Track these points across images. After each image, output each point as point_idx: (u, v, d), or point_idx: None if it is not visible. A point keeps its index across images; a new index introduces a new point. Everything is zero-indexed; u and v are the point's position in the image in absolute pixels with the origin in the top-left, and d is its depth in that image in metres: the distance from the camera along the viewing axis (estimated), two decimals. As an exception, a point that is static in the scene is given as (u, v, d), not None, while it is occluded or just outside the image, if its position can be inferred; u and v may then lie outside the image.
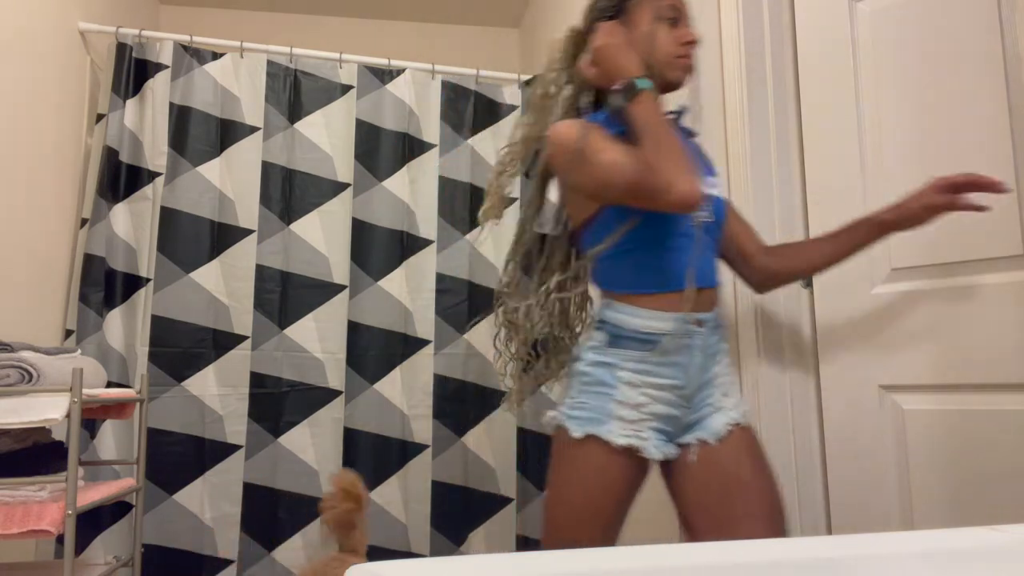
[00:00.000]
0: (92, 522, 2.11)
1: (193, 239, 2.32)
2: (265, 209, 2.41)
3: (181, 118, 2.38)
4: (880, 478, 1.41)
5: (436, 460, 2.40)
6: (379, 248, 2.46)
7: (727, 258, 1.43)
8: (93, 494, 1.61)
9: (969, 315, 1.31)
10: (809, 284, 1.57)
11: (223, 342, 2.30)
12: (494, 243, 2.59)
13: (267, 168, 2.43)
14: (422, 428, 2.40)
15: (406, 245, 2.49)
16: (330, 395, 2.35)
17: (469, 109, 2.65)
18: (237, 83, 2.45)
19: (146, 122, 2.35)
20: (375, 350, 2.41)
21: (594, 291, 1.37)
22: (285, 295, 2.38)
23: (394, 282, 2.45)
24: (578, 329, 1.41)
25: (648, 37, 1.25)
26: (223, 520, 2.22)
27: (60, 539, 2.00)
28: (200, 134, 2.38)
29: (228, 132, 2.42)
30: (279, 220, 2.42)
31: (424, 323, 2.46)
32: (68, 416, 1.43)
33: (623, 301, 1.24)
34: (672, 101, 1.35)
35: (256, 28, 3.33)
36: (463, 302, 2.51)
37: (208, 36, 2.55)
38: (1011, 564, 0.53)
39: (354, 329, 2.40)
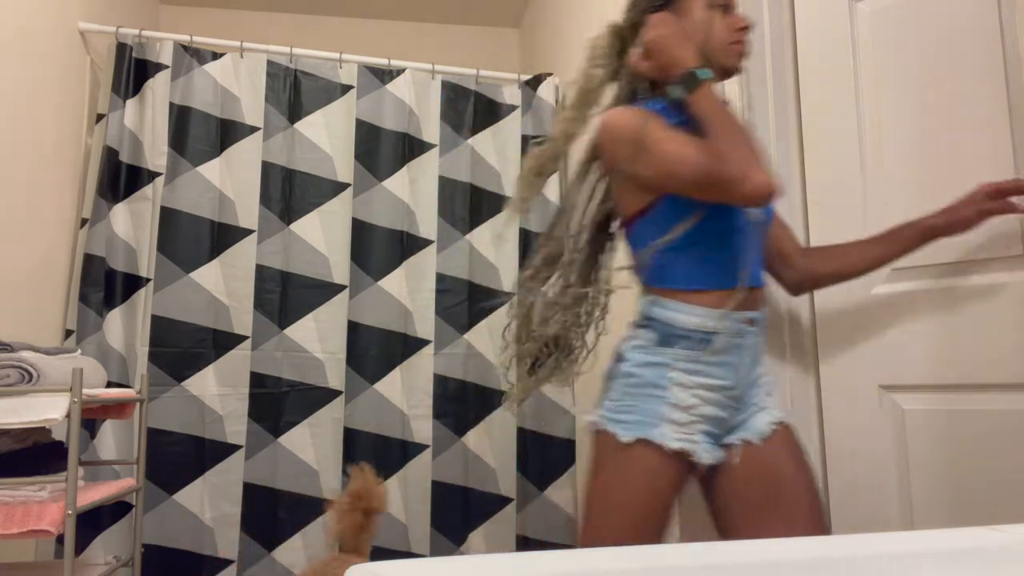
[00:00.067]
0: (92, 522, 2.11)
1: (193, 239, 2.32)
2: (265, 209, 2.41)
3: (181, 118, 2.38)
4: (880, 478, 1.41)
5: (436, 460, 2.40)
6: (379, 248, 2.46)
7: (765, 258, 1.40)
8: (93, 494, 1.61)
9: (969, 315, 1.31)
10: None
11: (223, 342, 2.30)
12: (494, 243, 2.59)
13: (267, 168, 2.43)
14: (422, 428, 2.40)
15: (406, 245, 2.49)
16: (330, 395, 2.35)
17: (469, 109, 2.65)
18: (237, 83, 2.45)
19: (146, 122, 2.35)
20: (375, 350, 2.41)
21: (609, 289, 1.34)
22: (285, 295, 2.38)
23: (394, 282, 2.45)
24: (590, 332, 1.37)
25: (704, 25, 1.23)
26: (223, 520, 2.22)
27: (60, 539, 2.00)
28: (200, 134, 2.38)
29: (228, 132, 2.42)
30: (279, 220, 2.42)
31: (424, 323, 2.46)
32: (68, 416, 1.43)
33: (674, 298, 1.20)
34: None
35: (256, 28, 3.33)
36: (463, 302, 2.51)
37: (208, 36, 2.56)
38: (1011, 564, 0.53)
39: (354, 329, 2.40)
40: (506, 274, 2.57)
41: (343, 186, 2.47)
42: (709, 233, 1.20)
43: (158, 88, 2.36)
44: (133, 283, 2.27)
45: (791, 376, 1.57)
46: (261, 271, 2.37)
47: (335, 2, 3.39)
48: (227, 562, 2.20)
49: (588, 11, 2.45)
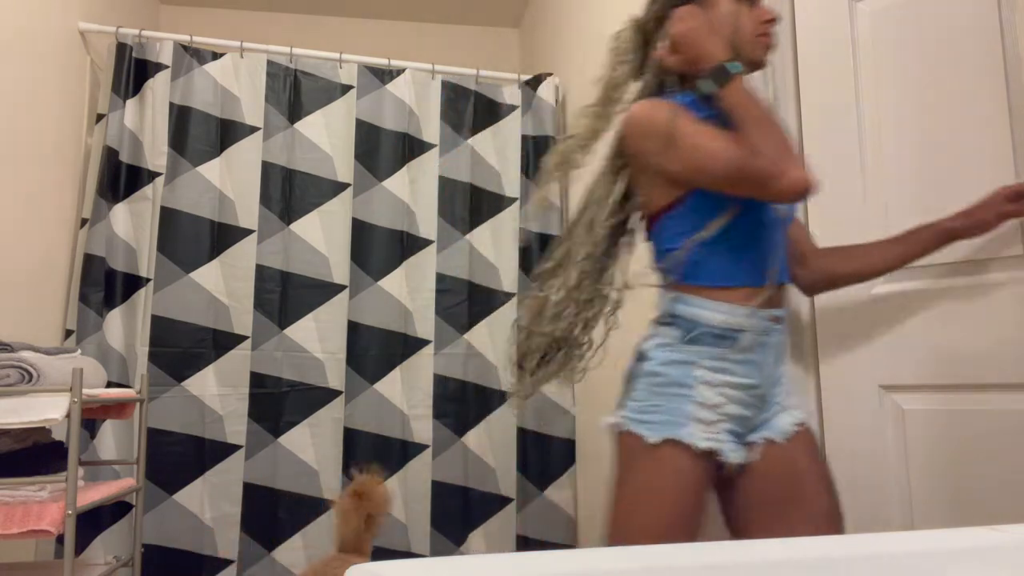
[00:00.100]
0: (92, 522, 2.11)
1: (193, 239, 2.32)
2: (265, 209, 2.41)
3: (181, 118, 2.38)
4: (880, 478, 1.41)
5: (436, 460, 2.40)
6: (379, 248, 2.46)
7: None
8: (93, 494, 1.61)
9: (969, 315, 1.31)
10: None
11: (223, 342, 2.30)
12: (494, 243, 2.59)
13: (267, 168, 2.43)
14: (422, 428, 2.40)
15: (406, 245, 2.49)
16: (330, 395, 2.35)
17: (469, 109, 2.65)
18: (237, 83, 2.45)
19: (146, 122, 2.35)
20: (375, 350, 2.41)
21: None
22: (285, 295, 2.38)
23: (394, 282, 2.45)
24: (599, 329, 1.33)
25: (732, 18, 1.21)
26: (223, 520, 2.22)
27: (60, 539, 2.00)
28: (200, 134, 2.38)
29: (228, 132, 2.42)
30: (279, 220, 2.42)
31: (424, 323, 2.46)
32: (68, 416, 1.43)
33: (700, 295, 1.17)
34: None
35: (256, 28, 3.33)
36: (463, 302, 2.51)
37: (208, 36, 2.56)
38: (1011, 564, 0.53)
39: (354, 329, 2.40)
40: (506, 274, 2.57)
41: (343, 186, 2.47)
42: (739, 229, 1.17)
43: (158, 88, 2.36)
44: (133, 283, 2.27)
45: (791, 376, 1.57)
46: (261, 271, 2.37)
47: (335, 2, 3.39)
48: (227, 562, 2.20)
49: (588, 11, 2.45)
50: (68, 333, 2.22)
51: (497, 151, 2.66)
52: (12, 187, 1.98)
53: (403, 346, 2.43)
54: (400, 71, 2.59)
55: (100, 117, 2.36)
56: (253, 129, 2.44)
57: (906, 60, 1.43)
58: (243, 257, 2.36)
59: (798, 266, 1.41)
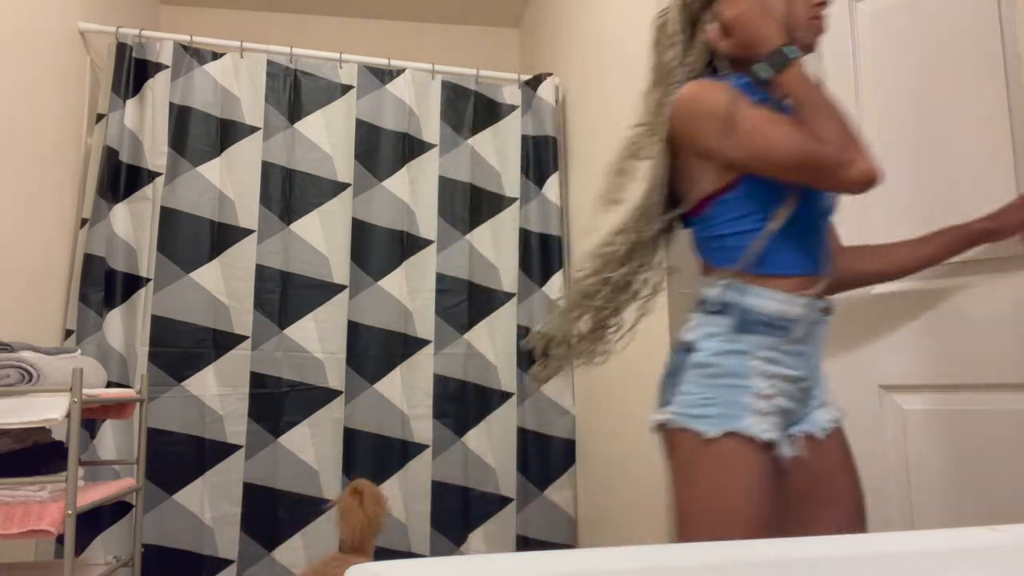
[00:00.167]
0: (92, 522, 2.11)
1: (193, 239, 2.32)
2: (265, 209, 2.41)
3: (181, 118, 2.38)
4: (880, 478, 1.41)
5: (436, 460, 2.40)
6: (379, 248, 2.46)
7: None
8: (93, 494, 1.61)
9: (969, 315, 1.31)
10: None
11: (223, 342, 2.30)
12: (494, 243, 2.59)
13: (267, 168, 2.43)
14: (422, 428, 2.40)
15: (406, 245, 2.49)
16: (330, 395, 2.35)
17: (469, 109, 2.65)
18: (237, 83, 2.45)
19: (146, 122, 2.35)
20: (375, 350, 2.41)
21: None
22: (285, 295, 2.38)
23: (394, 282, 2.45)
24: (628, 311, 1.28)
25: (785, 1, 1.18)
26: (223, 520, 2.22)
27: (60, 539, 2.00)
28: (200, 134, 2.38)
29: (228, 132, 2.42)
30: (279, 220, 2.42)
31: (424, 323, 2.46)
32: (68, 416, 1.43)
33: (757, 283, 1.12)
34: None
35: (256, 28, 3.33)
36: (463, 302, 2.51)
37: (208, 36, 2.56)
38: (1011, 564, 0.53)
39: (354, 329, 2.40)
40: (506, 274, 2.57)
41: (343, 186, 2.47)
42: (799, 217, 1.14)
43: (158, 88, 2.36)
44: (133, 283, 2.27)
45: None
46: (261, 271, 2.37)
47: (335, 2, 3.39)
48: (227, 562, 2.20)
49: (588, 11, 2.45)
50: (68, 333, 2.22)
51: (497, 151, 2.66)
52: (12, 187, 1.98)
53: (403, 346, 2.43)
54: (400, 71, 2.59)
55: (100, 117, 2.36)
56: (253, 129, 2.44)
57: (906, 60, 1.43)
58: (243, 257, 2.36)
59: None
